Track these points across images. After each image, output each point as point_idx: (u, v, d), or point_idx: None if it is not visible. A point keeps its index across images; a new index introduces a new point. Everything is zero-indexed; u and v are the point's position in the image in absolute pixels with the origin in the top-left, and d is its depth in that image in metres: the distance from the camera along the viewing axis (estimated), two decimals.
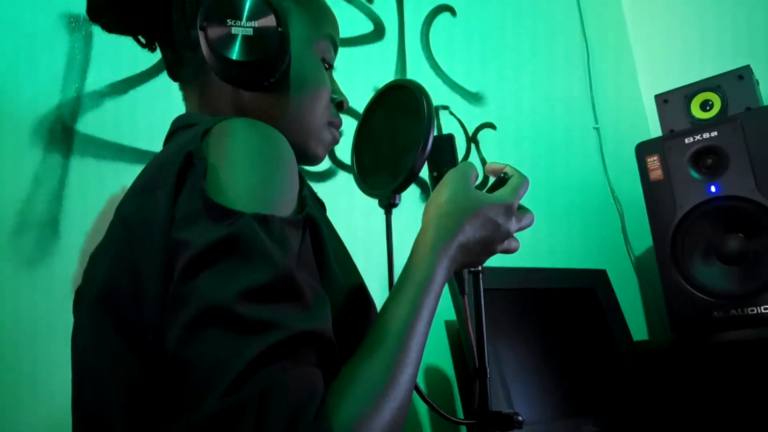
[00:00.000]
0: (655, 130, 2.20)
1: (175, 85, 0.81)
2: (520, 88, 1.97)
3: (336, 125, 0.82)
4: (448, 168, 0.78)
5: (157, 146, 0.76)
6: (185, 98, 0.78)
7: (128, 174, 1.05)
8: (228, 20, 0.67)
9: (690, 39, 2.13)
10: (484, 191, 0.74)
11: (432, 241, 0.67)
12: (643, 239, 2.08)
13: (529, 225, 0.77)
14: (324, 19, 0.80)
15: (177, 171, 0.57)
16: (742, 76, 1.67)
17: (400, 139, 0.79)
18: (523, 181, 0.76)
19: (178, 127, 0.73)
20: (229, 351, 0.47)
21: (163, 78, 1.17)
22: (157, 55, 0.82)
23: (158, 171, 0.61)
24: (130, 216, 0.61)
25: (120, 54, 1.14)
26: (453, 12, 1.87)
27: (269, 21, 0.68)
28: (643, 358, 1.63)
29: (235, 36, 0.67)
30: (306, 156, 0.79)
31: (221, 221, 0.52)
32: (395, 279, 0.69)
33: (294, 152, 0.61)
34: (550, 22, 2.18)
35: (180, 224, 0.54)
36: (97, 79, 1.13)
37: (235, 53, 0.67)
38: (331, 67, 0.82)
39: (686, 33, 2.15)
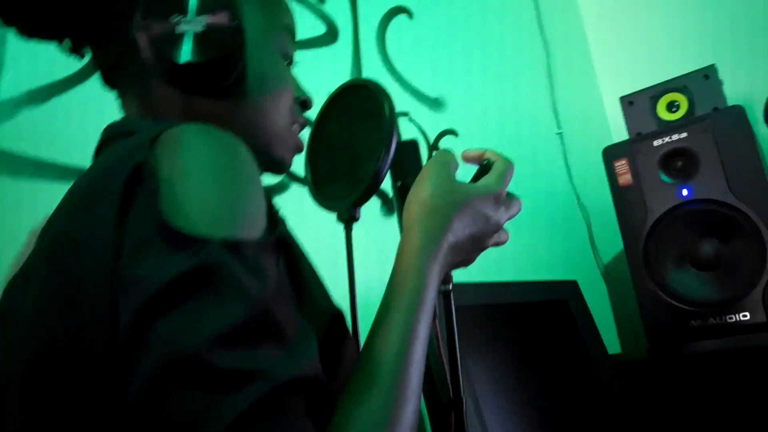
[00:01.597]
0: (617, 134, 2.15)
1: (105, 91, 0.70)
2: (480, 92, 1.90)
3: (301, 124, 0.73)
4: (413, 177, 0.71)
5: (83, 161, 0.65)
6: (124, 107, 0.68)
7: (49, 194, 0.92)
8: (173, 15, 0.57)
9: (651, 39, 2.09)
10: (467, 182, 0.68)
11: (419, 244, 0.60)
12: (611, 247, 2.02)
13: (518, 212, 0.70)
14: (279, 8, 0.71)
15: (123, 185, 0.47)
16: (708, 75, 1.63)
17: (359, 146, 0.71)
18: (508, 165, 0.70)
19: (111, 135, 0.62)
20: (205, 413, 0.39)
21: (91, 84, 1.04)
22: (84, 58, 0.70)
23: (97, 184, 0.51)
24: (62, 236, 0.51)
25: (38, 56, 1.00)
26: (409, 14, 1.78)
27: (222, 14, 0.58)
28: (619, 371, 1.55)
29: (181, 34, 0.57)
30: (272, 163, 0.69)
31: (183, 250, 0.44)
32: (357, 301, 0.65)
33: (258, 161, 0.54)
34: (508, 24, 2.12)
35: (131, 255, 0.45)
36: (11, 85, 0.99)
37: (183, 55, 0.57)
38: (291, 62, 0.72)
39: (647, 33, 2.12)
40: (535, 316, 1.52)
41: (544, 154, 2.04)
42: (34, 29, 0.67)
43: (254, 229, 0.49)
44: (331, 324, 0.61)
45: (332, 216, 0.72)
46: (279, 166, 0.71)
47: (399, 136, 0.70)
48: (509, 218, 0.69)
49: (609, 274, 2.01)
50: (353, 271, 0.71)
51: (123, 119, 0.66)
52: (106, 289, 0.45)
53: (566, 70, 2.23)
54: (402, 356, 0.53)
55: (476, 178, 0.71)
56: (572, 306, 1.59)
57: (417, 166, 0.76)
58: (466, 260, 0.67)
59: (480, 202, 0.64)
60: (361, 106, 0.73)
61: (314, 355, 0.48)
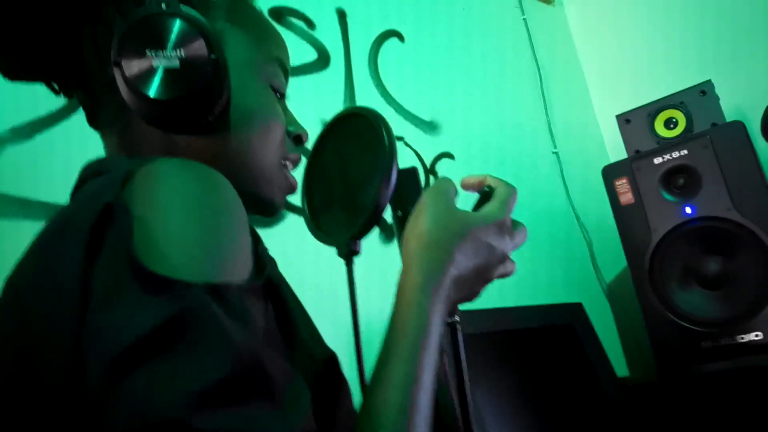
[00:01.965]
0: (614, 152, 2.13)
1: (89, 128, 0.66)
2: (474, 114, 1.88)
3: (293, 161, 0.69)
4: (414, 205, 0.68)
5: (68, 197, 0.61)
6: (106, 148, 0.65)
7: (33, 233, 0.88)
8: (147, 51, 0.54)
9: (643, 57, 2.08)
10: (468, 211, 0.64)
11: (419, 281, 0.56)
12: (613, 267, 1.99)
13: (524, 241, 0.66)
14: (267, 39, 0.67)
15: (90, 228, 0.44)
16: (705, 91, 1.61)
17: (358, 176, 0.68)
18: (511, 191, 0.65)
19: (89, 175, 0.59)
20: None
21: (76, 119, 1.00)
22: None
23: (62, 229, 0.48)
24: (23, 284, 0.47)
25: (21, 92, 0.97)
26: (401, 37, 1.77)
27: (199, 48, 0.55)
28: (628, 394, 1.51)
29: (156, 69, 0.54)
30: (260, 204, 0.65)
31: (160, 296, 0.39)
32: (362, 343, 0.59)
33: (245, 201, 0.49)
34: (500, 46, 2.10)
35: (100, 303, 0.41)
36: None
37: (159, 91, 0.54)
38: (283, 96, 0.69)
39: (638, 51, 2.11)
40: (541, 342, 1.48)
41: (541, 175, 2.02)
42: (15, 72, 0.64)
43: (239, 271, 0.45)
44: (325, 371, 0.57)
45: (331, 250, 0.68)
46: (268, 207, 0.67)
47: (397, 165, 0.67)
48: (514, 247, 0.64)
49: (612, 294, 1.97)
50: (356, 309, 0.66)
51: (101, 159, 0.63)
52: (70, 342, 0.41)
53: (559, 90, 2.21)
54: (406, 407, 0.49)
55: (478, 206, 0.66)
56: (578, 330, 1.55)
57: (417, 194, 0.72)
58: (470, 294, 0.62)
59: (483, 231, 0.60)
60: (359, 135, 0.69)
61: (308, 412, 0.43)
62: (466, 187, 0.71)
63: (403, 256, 0.60)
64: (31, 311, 0.45)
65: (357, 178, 0.68)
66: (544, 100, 2.12)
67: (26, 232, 0.91)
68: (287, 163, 0.69)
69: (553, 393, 1.40)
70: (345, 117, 0.72)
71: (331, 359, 0.59)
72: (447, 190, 0.62)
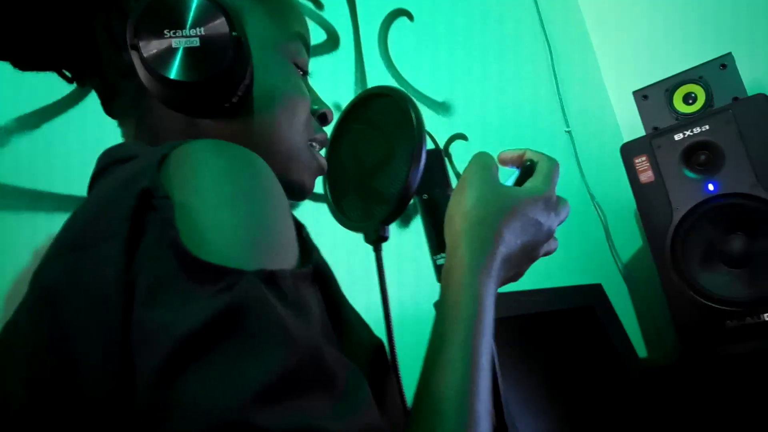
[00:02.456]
0: (628, 130, 2.09)
1: (103, 112, 0.63)
2: (487, 94, 1.83)
3: (320, 141, 0.66)
4: (441, 189, 0.68)
5: (82, 190, 0.58)
6: (124, 136, 0.62)
7: (48, 226, 0.85)
8: (165, 31, 0.51)
9: (660, 31, 2.03)
10: (511, 186, 0.62)
11: (468, 261, 0.54)
12: (630, 246, 1.96)
13: (567, 216, 0.64)
14: (289, 14, 0.64)
15: (129, 216, 0.41)
16: (725, 64, 1.56)
17: (384, 159, 0.65)
18: (554, 165, 0.64)
19: (110, 162, 0.55)
20: None
21: (88, 105, 0.97)
22: None
23: (96, 219, 0.45)
24: (55, 285, 0.43)
25: (27, 79, 0.93)
26: (410, 16, 1.72)
27: (220, 25, 0.51)
28: (651, 376, 1.49)
29: (176, 50, 0.51)
30: (290, 188, 0.62)
31: (212, 286, 0.36)
32: (393, 331, 0.57)
33: None
34: (509, 23, 2.05)
35: (147, 299, 0.38)
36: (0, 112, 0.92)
37: (179, 72, 0.51)
38: (305, 73, 0.65)
39: (652, 26, 2.05)
40: (562, 324, 1.45)
41: (555, 154, 1.97)
42: (27, 62, 0.61)
43: (290, 256, 0.43)
44: (375, 359, 0.54)
45: (355, 236, 0.65)
46: (299, 191, 0.64)
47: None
48: (560, 223, 0.63)
49: (630, 275, 1.94)
50: (387, 297, 0.63)
51: (121, 144, 0.60)
52: (115, 344, 0.38)
53: (571, 67, 2.17)
54: (466, 395, 0.47)
55: (520, 181, 0.64)
56: (599, 311, 1.52)
57: (443, 176, 0.70)
58: (517, 274, 0.61)
59: (529, 207, 0.58)
60: (383, 115, 0.67)
61: (370, 403, 0.41)
62: (504, 161, 0.68)
63: (447, 236, 0.58)
64: (69, 315, 0.41)
65: (383, 161, 0.66)
66: (556, 78, 2.08)
67: (41, 224, 0.89)
68: (314, 143, 0.65)
69: (575, 375, 1.37)
70: (368, 97, 0.70)
71: (380, 346, 0.56)
72: (489, 164, 0.60)
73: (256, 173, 0.44)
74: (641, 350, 1.86)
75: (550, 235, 0.61)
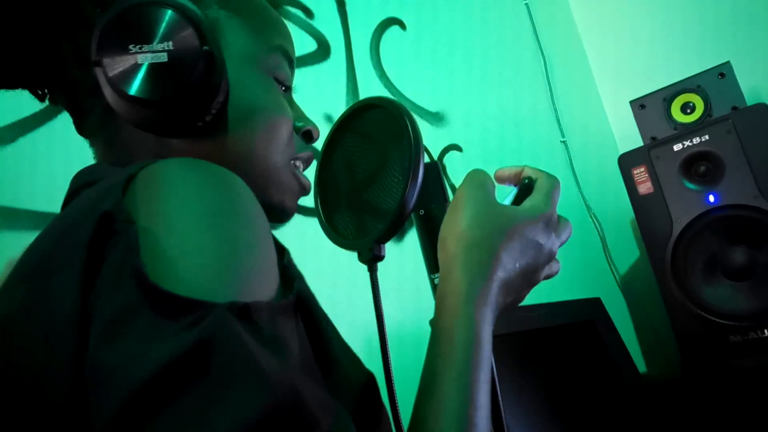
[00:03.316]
0: (624, 140, 2.06)
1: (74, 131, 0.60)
2: (481, 104, 1.80)
3: (304, 160, 0.62)
4: (438, 204, 0.64)
5: (55, 207, 0.54)
6: (96, 157, 0.59)
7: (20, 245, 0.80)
8: (131, 46, 0.47)
9: (656, 39, 2.00)
10: (509, 205, 0.58)
11: (464, 287, 0.50)
12: (627, 258, 1.92)
13: (569, 236, 0.60)
14: (268, 26, 0.60)
15: (87, 242, 0.37)
16: (724, 73, 1.54)
17: (379, 173, 0.62)
18: (555, 182, 0.59)
19: (80, 185, 0.52)
20: None
21: (63, 119, 0.92)
22: None
23: (54, 246, 0.41)
24: (8, 316, 0.40)
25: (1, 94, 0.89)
26: (402, 26, 1.68)
27: (189, 39, 0.48)
28: (652, 392, 1.44)
29: (141, 66, 0.47)
30: (270, 211, 0.57)
31: (177, 321, 0.33)
32: (390, 358, 0.52)
33: None
34: (503, 33, 2.03)
35: (105, 334, 0.34)
36: None
37: (145, 90, 0.47)
38: (288, 88, 0.61)
39: (649, 33, 2.02)
40: (562, 339, 1.41)
41: (550, 164, 1.94)
42: None
43: (267, 287, 0.39)
44: (364, 396, 0.51)
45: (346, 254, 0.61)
46: (279, 213, 0.60)
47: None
48: (561, 244, 0.59)
49: (628, 287, 1.91)
50: (383, 321, 0.57)
51: (92, 166, 0.56)
52: (66, 385, 0.34)
53: (565, 77, 2.14)
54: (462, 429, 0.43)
55: (518, 200, 0.60)
56: (599, 326, 1.48)
57: (441, 190, 0.66)
58: (516, 300, 0.56)
59: (529, 227, 0.54)
60: (377, 127, 0.63)
61: None
62: (501, 179, 0.65)
63: (441, 260, 0.54)
64: (20, 348, 0.37)
65: (377, 176, 0.62)
66: (550, 88, 2.05)
67: (11, 244, 0.84)
68: (297, 162, 0.61)
69: (575, 391, 1.33)
70: (361, 108, 0.66)
71: (370, 383, 0.52)
72: (484, 182, 0.56)
73: (231, 192, 0.40)
74: (640, 365, 1.82)
75: (551, 257, 0.57)
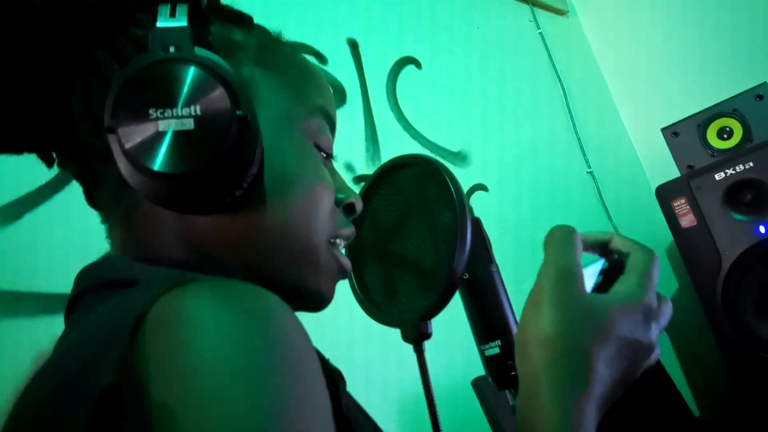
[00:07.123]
0: (657, 168, 1.97)
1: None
2: (502, 140, 1.74)
3: (346, 237, 0.53)
4: (483, 266, 0.58)
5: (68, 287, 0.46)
6: (109, 234, 0.51)
7: (27, 332, 0.72)
8: (151, 110, 0.38)
9: (688, 62, 1.93)
10: (590, 289, 0.49)
11: (557, 415, 0.41)
12: (666, 293, 1.82)
13: (670, 319, 0.49)
14: (308, 84, 0.52)
15: (89, 414, 0.30)
16: (761, 95, 1.46)
17: (421, 239, 0.56)
18: (651, 259, 0.49)
19: (87, 287, 0.45)
20: None
21: (72, 189, 0.86)
22: None
23: (51, 411, 0.34)
24: None
25: (6, 165, 0.82)
26: (418, 65, 1.63)
27: (220, 101, 0.39)
28: None
29: (164, 134, 0.38)
30: (304, 298, 0.50)
31: None
32: None
33: (286, 296, 0.36)
34: (520, 64, 1.97)
35: None
36: None
37: (167, 164, 0.38)
38: (330, 156, 0.52)
39: (676, 57, 1.95)
40: None
41: (579, 197, 1.87)
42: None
43: None
44: None
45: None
46: (315, 301, 0.51)
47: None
48: (661, 331, 0.48)
49: (671, 325, 1.80)
50: (433, 403, 0.52)
51: (102, 260, 0.48)
52: None
53: (587, 106, 2.08)
54: None
55: (606, 280, 0.50)
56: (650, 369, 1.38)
57: (484, 249, 0.59)
58: (611, 402, 0.47)
59: (625, 323, 0.44)
60: (414, 188, 0.57)
61: None
62: (584, 248, 0.54)
63: (519, 366, 0.46)
64: None
65: (420, 242, 0.56)
66: (572, 118, 1.98)
67: (19, 329, 0.77)
68: (338, 240, 0.52)
69: None
70: (392, 168, 0.60)
71: None
72: (571, 268, 0.46)
73: (275, 341, 0.32)
74: (693, 408, 1.71)
75: (650, 350, 0.47)
